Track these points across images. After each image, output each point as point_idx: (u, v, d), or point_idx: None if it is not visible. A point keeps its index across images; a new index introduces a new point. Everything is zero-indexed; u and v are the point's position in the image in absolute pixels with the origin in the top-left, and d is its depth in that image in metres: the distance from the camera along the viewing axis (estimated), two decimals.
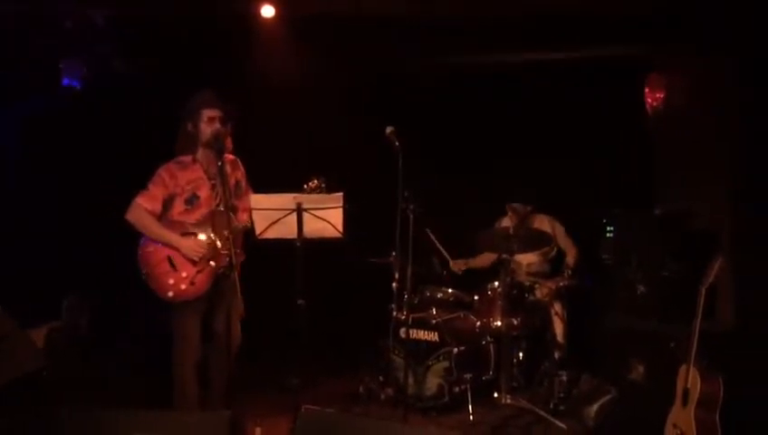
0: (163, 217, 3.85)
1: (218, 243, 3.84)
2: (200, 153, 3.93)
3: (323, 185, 3.85)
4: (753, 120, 4.15)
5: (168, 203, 3.85)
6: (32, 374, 3.92)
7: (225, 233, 3.76)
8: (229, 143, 3.96)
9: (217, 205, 3.90)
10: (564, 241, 5.45)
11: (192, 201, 3.86)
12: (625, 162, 5.54)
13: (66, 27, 4.98)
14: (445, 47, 5.46)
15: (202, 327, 3.91)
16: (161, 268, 3.78)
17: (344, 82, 5.93)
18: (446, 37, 5.21)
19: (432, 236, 5.28)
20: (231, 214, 3.79)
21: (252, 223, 3.81)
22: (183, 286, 3.79)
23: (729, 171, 4.36)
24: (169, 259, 3.79)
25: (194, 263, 3.80)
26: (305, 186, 3.86)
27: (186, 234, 3.83)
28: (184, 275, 3.79)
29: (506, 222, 5.42)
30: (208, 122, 3.87)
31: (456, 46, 5.47)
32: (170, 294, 3.78)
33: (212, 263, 3.83)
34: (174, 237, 3.79)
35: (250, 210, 3.82)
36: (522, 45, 5.40)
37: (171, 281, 3.78)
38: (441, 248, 5.39)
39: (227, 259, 3.75)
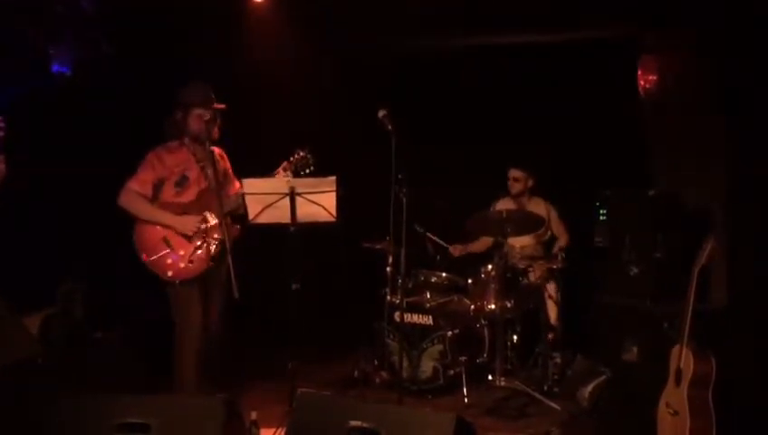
0: (155, 200, 3.89)
1: (211, 219, 3.87)
2: (187, 139, 3.98)
3: (309, 155, 3.89)
4: (745, 103, 4.15)
5: (158, 187, 3.89)
6: (26, 361, 3.91)
7: (217, 212, 3.81)
8: (216, 134, 4.00)
9: (207, 186, 3.94)
10: (557, 226, 5.48)
11: (182, 183, 3.91)
12: (618, 145, 5.54)
13: (54, 12, 4.93)
14: (436, 28, 5.43)
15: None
16: (159, 249, 3.82)
17: (336, 64, 5.90)
18: (437, 18, 5.18)
19: (428, 234, 5.30)
20: (220, 198, 3.81)
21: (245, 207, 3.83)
22: (182, 265, 3.82)
23: (722, 153, 4.36)
24: (165, 240, 3.83)
25: (190, 240, 3.83)
26: (291, 158, 3.90)
27: (180, 214, 3.87)
28: (182, 253, 3.83)
29: (501, 205, 5.42)
30: (196, 118, 3.93)
31: (447, 28, 5.45)
32: (170, 273, 3.82)
33: (208, 239, 3.85)
34: (167, 216, 3.84)
35: (239, 195, 3.85)
36: (513, 26, 5.38)
37: (169, 261, 3.82)
38: (438, 241, 5.41)
39: (222, 240, 3.81)
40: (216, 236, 3.87)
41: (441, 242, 5.44)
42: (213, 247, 3.88)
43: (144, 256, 3.84)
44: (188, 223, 3.84)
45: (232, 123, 4.12)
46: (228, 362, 4.24)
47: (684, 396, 3.35)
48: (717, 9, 4.25)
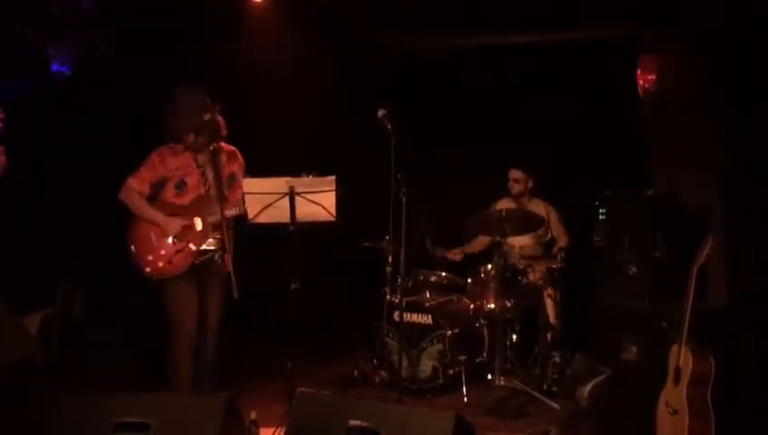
0: (156, 198, 3.98)
1: (198, 226, 3.90)
2: (189, 142, 3.97)
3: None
4: (744, 103, 4.16)
5: (159, 186, 3.97)
6: (26, 361, 3.92)
7: (212, 218, 3.85)
8: (223, 128, 4.00)
9: (206, 191, 3.97)
10: (557, 228, 5.48)
11: (181, 186, 3.97)
12: (618, 145, 5.54)
13: (54, 12, 4.93)
14: (436, 28, 5.43)
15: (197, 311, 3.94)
16: (144, 245, 3.90)
17: (336, 64, 5.90)
18: (437, 18, 5.19)
19: (428, 243, 5.33)
20: (221, 201, 3.80)
21: (245, 208, 3.83)
22: (160, 264, 3.88)
23: (721, 153, 4.37)
24: (151, 237, 3.91)
25: (173, 242, 3.88)
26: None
27: (172, 215, 3.93)
28: (162, 252, 3.88)
29: (502, 205, 5.42)
30: (188, 133, 3.94)
31: (447, 28, 5.45)
32: (147, 269, 3.89)
33: (191, 245, 3.89)
34: (158, 215, 3.91)
35: (241, 200, 3.86)
36: (513, 26, 5.38)
37: (150, 257, 3.89)
38: (439, 253, 5.43)
39: (216, 243, 3.88)
40: (197, 245, 3.90)
41: (445, 254, 5.47)
42: (195, 253, 3.90)
43: (131, 249, 3.93)
44: (172, 225, 3.90)
45: (232, 123, 4.11)
46: (228, 361, 4.24)
47: (683, 395, 3.35)
48: (717, 9, 4.25)
